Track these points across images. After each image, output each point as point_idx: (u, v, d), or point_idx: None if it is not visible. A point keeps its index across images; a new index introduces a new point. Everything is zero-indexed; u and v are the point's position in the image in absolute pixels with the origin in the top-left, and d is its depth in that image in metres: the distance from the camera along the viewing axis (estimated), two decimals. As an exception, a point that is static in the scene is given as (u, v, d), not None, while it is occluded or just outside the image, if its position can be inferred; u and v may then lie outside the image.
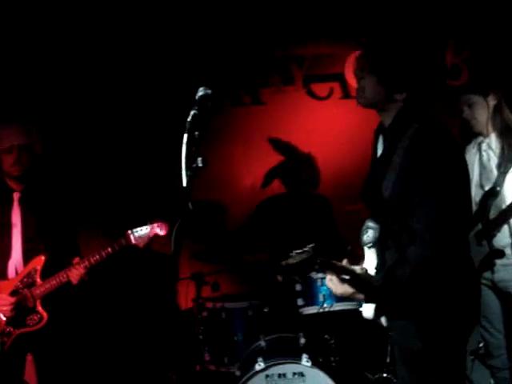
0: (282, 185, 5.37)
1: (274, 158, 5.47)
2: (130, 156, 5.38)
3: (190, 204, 2.19)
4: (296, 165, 5.33)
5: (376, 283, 2.54)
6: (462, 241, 2.59)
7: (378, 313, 2.63)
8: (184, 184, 2.23)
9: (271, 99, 5.55)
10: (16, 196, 3.98)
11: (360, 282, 2.53)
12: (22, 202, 3.98)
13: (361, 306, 2.70)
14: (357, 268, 2.57)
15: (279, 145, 5.46)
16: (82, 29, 5.25)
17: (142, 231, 3.88)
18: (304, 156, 5.34)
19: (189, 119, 2.33)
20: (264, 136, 5.49)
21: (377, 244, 2.66)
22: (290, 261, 2.43)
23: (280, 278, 2.46)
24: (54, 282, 3.85)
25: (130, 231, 3.87)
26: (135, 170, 5.38)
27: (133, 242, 3.86)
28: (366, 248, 2.69)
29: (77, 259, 3.89)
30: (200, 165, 2.26)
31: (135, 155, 5.39)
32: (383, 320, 2.72)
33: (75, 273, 3.82)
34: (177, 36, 5.34)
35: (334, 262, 2.52)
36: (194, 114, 2.35)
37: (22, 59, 5.17)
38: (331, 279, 2.59)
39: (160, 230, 3.89)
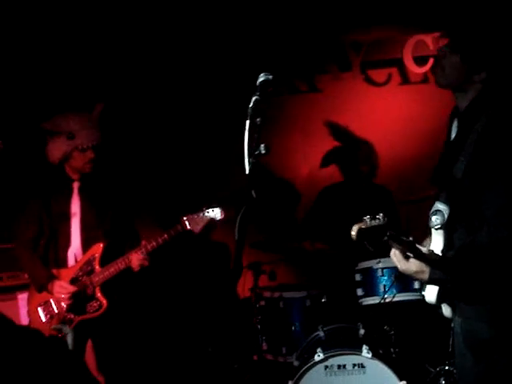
0: (340, 171, 5.27)
1: (332, 146, 5.38)
2: (187, 143, 5.37)
3: (253, 192, 2.14)
4: (354, 152, 5.23)
5: (445, 262, 2.50)
6: None
7: (442, 296, 2.57)
8: (247, 171, 2.19)
9: (328, 86, 5.45)
10: (75, 185, 4.04)
11: (425, 261, 2.49)
12: (81, 191, 4.03)
13: (423, 289, 2.65)
14: (423, 249, 2.54)
15: (336, 132, 5.37)
16: (139, 20, 5.25)
17: (198, 217, 3.88)
18: (362, 144, 5.23)
19: (250, 105, 2.29)
20: (321, 124, 5.40)
21: (445, 226, 2.62)
22: (363, 225, 2.38)
23: (354, 235, 2.40)
24: (113, 269, 3.90)
25: (185, 217, 3.88)
26: (191, 157, 5.37)
27: (188, 227, 3.87)
28: (433, 230, 2.65)
29: (143, 242, 3.91)
30: (263, 151, 2.22)
31: (192, 142, 5.38)
32: (445, 309, 2.68)
33: (136, 258, 3.85)
34: (236, 23, 5.27)
35: (402, 237, 2.47)
36: (256, 99, 2.31)
37: (83, 53, 5.21)
38: (395, 254, 2.57)
39: (215, 216, 3.89)
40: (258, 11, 5.24)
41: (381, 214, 2.42)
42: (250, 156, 2.22)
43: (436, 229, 2.63)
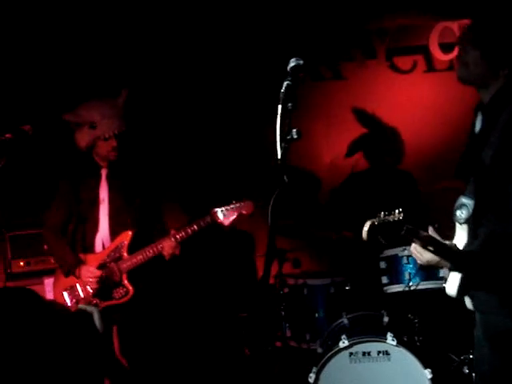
0: (365, 159, 5.25)
1: (355, 134, 5.36)
2: (216, 130, 5.37)
3: (285, 177, 2.14)
4: (379, 139, 5.20)
5: (468, 256, 2.50)
6: None
7: (463, 289, 2.56)
8: (279, 156, 2.19)
9: (352, 73, 5.42)
10: (103, 172, 4.06)
11: (445, 256, 2.49)
12: (109, 177, 4.05)
13: (445, 282, 2.64)
14: (444, 242, 2.54)
15: (360, 120, 5.34)
16: (166, 5, 5.25)
17: (228, 210, 3.87)
18: (387, 131, 5.20)
19: (282, 90, 2.28)
20: (345, 112, 5.38)
21: (469, 221, 2.60)
22: (375, 221, 2.38)
23: (366, 231, 2.40)
24: (141, 256, 3.91)
25: (215, 209, 3.87)
26: (220, 145, 5.37)
27: (219, 219, 3.86)
28: (457, 224, 2.64)
29: (171, 232, 3.93)
30: (295, 136, 2.22)
31: (221, 130, 5.37)
32: (467, 301, 2.67)
33: (168, 245, 3.86)
34: (263, 10, 5.25)
35: (421, 231, 2.48)
36: (288, 85, 2.31)
37: (111, 40, 5.23)
38: (415, 247, 2.58)
39: (246, 210, 3.87)
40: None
41: (397, 210, 2.40)
42: (281, 141, 2.22)
43: (460, 223, 2.62)
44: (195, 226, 3.87)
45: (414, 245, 2.59)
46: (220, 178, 5.24)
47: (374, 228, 2.39)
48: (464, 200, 2.61)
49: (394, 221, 2.39)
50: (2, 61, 4.98)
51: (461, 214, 2.60)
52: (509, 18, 2.62)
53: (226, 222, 3.87)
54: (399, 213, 2.40)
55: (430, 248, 2.51)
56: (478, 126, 2.70)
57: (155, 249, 3.90)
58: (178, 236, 3.87)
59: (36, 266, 4.67)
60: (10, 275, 4.64)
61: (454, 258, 2.54)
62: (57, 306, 1.67)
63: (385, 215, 2.42)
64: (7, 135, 3.37)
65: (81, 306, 3.70)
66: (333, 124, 5.41)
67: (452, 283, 2.61)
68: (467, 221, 2.60)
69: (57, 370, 1.47)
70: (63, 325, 1.54)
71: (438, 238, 2.56)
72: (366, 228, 2.40)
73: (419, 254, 2.59)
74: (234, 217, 3.87)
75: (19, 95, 4.99)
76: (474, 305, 2.65)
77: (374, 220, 2.41)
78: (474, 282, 2.58)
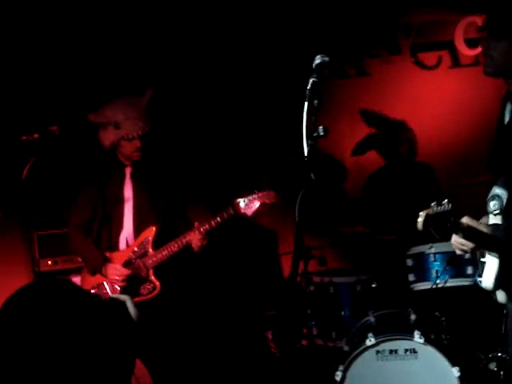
0: (380, 157, 5.21)
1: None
2: (239, 128, 5.36)
3: (312, 174, 2.14)
4: (394, 135, 5.15)
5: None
6: None
7: (499, 281, 2.53)
8: (305, 153, 2.19)
9: (377, 70, 5.37)
10: (128, 171, 4.08)
11: (489, 244, 2.47)
12: (133, 176, 4.07)
13: (480, 275, 2.62)
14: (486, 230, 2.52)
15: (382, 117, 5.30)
16: (190, 4, 5.27)
17: (250, 200, 3.86)
18: (404, 126, 5.15)
19: (308, 87, 2.28)
20: (369, 108, 5.34)
21: (504, 211, 2.59)
22: (430, 211, 2.34)
23: (421, 221, 2.37)
24: (166, 251, 3.93)
25: (238, 200, 3.87)
26: (243, 141, 5.37)
27: (242, 210, 3.85)
28: (491, 216, 2.62)
29: (195, 224, 3.93)
30: (321, 133, 2.22)
31: (244, 127, 5.37)
32: (499, 295, 2.64)
33: (196, 238, 3.87)
34: (288, 7, 5.24)
35: (467, 224, 2.44)
36: (313, 82, 2.30)
37: (137, 40, 5.26)
38: (456, 239, 2.55)
39: (268, 199, 3.86)
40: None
41: (446, 200, 2.38)
42: (308, 138, 2.22)
43: (494, 214, 2.60)
44: (218, 218, 3.86)
45: (455, 237, 2.55)
46: (243, 175, 5.24)
47: (428, 219, 2.36)
48: (497, 191, 2.60)
49: (444, 211, 2.36)
50: (29, 62, 5.04)
51: (494, 204, 2.60)
52: None
53: (249, 213, 3.85)
54: (448, 202, 2.37)
55: (472, 241, 2.49)
56: (507, 117, 2.69)
57: (180, 243, 3.90)
58: (201, 229, 3.87)
59: (63, 264, 4.71)
60: (38, 274, 4.70)
61: (496, 248, 2.51)
62: (93, 296, 1.70)
63: (436, 205, 2.39)
64: (35, 135, 3.41)
65: (112, 295, 3.72)
66: (357, 121, 5.38)
67: (488, 276, 2.59)
68: (501, 211, 2.59)
69: (94, 358, 1.50)
70: (101, 313, 1.56)
71: (479, 226, 2.52)
72: (420, 219, 2.37)
73: (463, 244, 2.56)
74: (257, 206, 3.84)
75: (46, 96, 5.04)
76: (510, 297, 2.61)
77: (428, 210, 2.38)
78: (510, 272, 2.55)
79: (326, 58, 2.37)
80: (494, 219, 2.62)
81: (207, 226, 3.86)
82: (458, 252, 2.62)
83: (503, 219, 2.60)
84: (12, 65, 5.02)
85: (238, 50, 5.32)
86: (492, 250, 2.53)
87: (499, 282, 2.58)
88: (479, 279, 2.65)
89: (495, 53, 2.61)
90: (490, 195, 2.61)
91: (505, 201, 2.57)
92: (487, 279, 2.60)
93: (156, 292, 3.94)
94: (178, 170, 4.30)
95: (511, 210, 2.58)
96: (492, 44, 2.61)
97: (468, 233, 2.46)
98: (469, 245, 2.54)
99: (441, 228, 2.37)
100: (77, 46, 5.13)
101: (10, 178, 4.45)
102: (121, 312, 1.68)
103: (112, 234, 4.03)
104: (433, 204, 2.38)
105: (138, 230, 4.02)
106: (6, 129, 4.85)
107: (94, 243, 4.04)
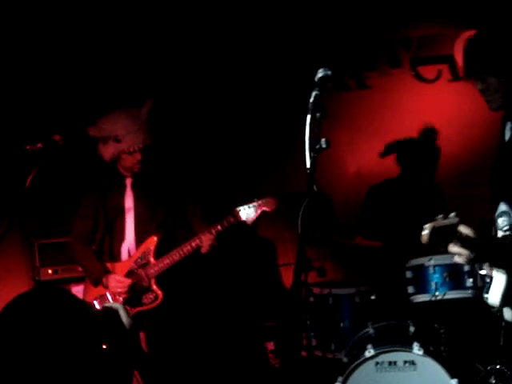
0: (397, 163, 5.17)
1: (380, 144, 5.33)
2: (240, 139, 5.40)
3: (314, 186, 2.17)
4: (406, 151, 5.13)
5: None
6: None
7: (506, 298, 2.52)
8: (308, 165, 2.21)
9: (377, 83, 5.43)
10: (128, 181, 4.10)
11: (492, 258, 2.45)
12: (133, 186, 4.09)
13: (487, 292, 2.60)
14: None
15: (385, 129, 5.32)
16: (191, 12, 5.31)
17: (250, 208, 3.89)
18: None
19: (311, 100, 2.31)
20: (369, 121, 5.38)
21: None
22: (436, 224, 2.32)
23: (427, 233, 2.33)
24: (168, 261, 3.95)
25: (237, 208, 3.89)
26: (242, 152, 5.41)
27: (242, 218, 3.88)
28: (500, 232, 2.60)
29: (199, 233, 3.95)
30: (324, 146, 2.25)
31: (244, 138, 5.41)
32: (506, 313, 2.61)
33: (207, 237, 3.88)
34: (288, 20, 5.30)
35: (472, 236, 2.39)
36: (316, 95, 2.33)
37: (136, 49, 5.30)
38: (454, 247, 2.46)
39: (268, 206, 3.89)
40: (310, 8, 5.24)
41: (453, 213, 2.32)
42: (310, 150, 2.24)
43: (504, 230, 2.58)
44: (219, 227, 3.89)
45: (451, 245, 2.44)
46: (243, 184, 5.26)
47: (434, 232, 2.34)
48: (504, 207, 2.59)
49: (452, 224, 2.31)
50: (32, 72, 5.07)
51: (503, 221, 2.58)
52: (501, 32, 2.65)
53: (249, 220, 3.89)
54: (456, 215, 2.32)
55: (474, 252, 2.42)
56: (507, 135, 2.70)
57: (181, 252, 3.93)
58: (213, 230, 3.89)
59: (64, 273, 4.74)
60: (38, 283, 4.71)
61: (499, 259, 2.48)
62: (87, 305, 1.73)
63: (443, 218, 2.33)
64: (38, 145, 3.43)
65: (105, 304, 3.73)
66: (357, 133, 5.41)
67: (495, 292, 2.54)
68: (510, 227, 2.57)
69: (87, 365, 1.52)
70: (94, 321, 1.58)
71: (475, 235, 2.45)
72: (426, 231, 2.32)
73: (459, 254, 2.47)
74: (257, 214, 3.88)
75: (49, 105, 5.07)
76: None
77: (434, 223, 2.32)
78: None
79: (329, 72, 2.40)
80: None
81: (219, 227, 3.88)
82: (459, 261, 2.59)
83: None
84: (15, 74, 5.05)
85: (239, 63, 5.37)
86: (496, 264, 2.51)
87: (506, 299, 2.55)
88: (486, 295, 2.60)
89: (489, 92, 2.62)
90: (497, 212, 2.60)
91: None
92: (494, 296, 2.56)
93: (158, 301, 3.96)
94: (178, 179, 4.32)
95: None
96: (481, 85, 2.63)
97: (464, 241, 2.45)
98: (465, 253, 2.52)
99: (447, 241, 2.33)
100: (79, 55, 5.17)
101: (13, 187, 4.47)
102: (113, 320, 1.70)
103: (114, 245, 4.05)
104: (439, 217, 2.33)
105: (139, 239, 4.04)
106: (10, 138, 4.88)
107: (95, 254, 4.06)
